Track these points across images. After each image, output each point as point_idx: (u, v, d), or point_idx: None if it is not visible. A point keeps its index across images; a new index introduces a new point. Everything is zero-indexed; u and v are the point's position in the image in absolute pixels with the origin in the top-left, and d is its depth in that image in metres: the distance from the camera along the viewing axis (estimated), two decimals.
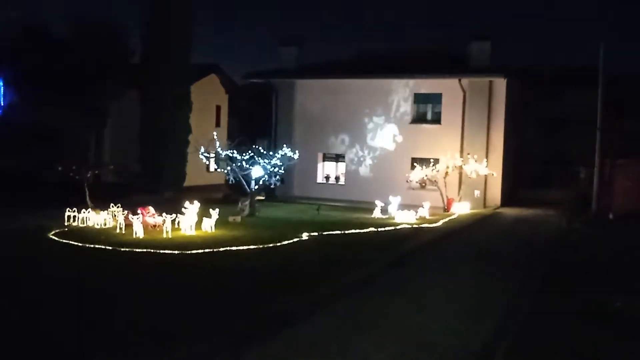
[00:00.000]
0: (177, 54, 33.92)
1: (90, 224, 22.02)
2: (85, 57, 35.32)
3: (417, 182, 31.97)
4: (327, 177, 35.67)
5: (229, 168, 26.08)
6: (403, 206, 27.57)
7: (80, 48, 35.40)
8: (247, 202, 25.95)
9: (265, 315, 11.24)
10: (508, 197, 33.55)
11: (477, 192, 31.82)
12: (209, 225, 21.11)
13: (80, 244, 18.23)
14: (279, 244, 18.83)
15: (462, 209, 29.82)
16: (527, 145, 39.20)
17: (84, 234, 20.18)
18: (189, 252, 17.26)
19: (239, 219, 24.07)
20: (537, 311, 12.14)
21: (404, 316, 11.66)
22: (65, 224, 22.05)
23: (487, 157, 31.67)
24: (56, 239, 19.20)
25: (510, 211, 30.77)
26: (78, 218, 22.25)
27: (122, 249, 17.49)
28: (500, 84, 32.01)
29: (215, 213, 21.28)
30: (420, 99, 33.72)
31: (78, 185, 25.99)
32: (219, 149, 26.13)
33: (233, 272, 14.60)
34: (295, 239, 19.75)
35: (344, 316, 11.53)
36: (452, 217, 27.56)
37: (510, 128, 33.27)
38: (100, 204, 24.55)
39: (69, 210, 22.49)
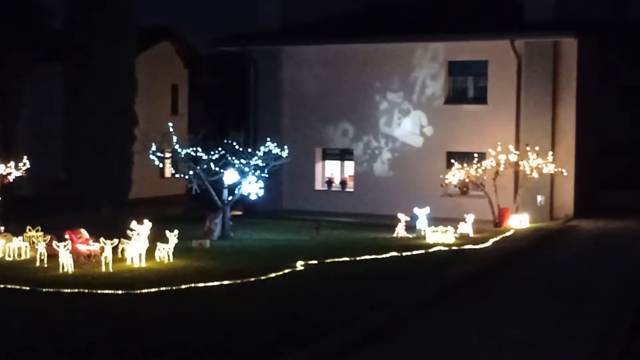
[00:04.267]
0: (114, 13, 34.03)
1: None
2: None
3: (455, 186, 32.01)
4: (330, 182, 35.74)
5: (191, 173, 26.15)
6: (436, 220, 27.60)
7: None
8: (218, 220, 26.04)
9: None
10: (584, 205, 33.59)
11: (540, 199, 31.87)
12: (165, 253, 21.19)
13: None
14: (263, 278, 18.91)
15: (519, 222, 29.87)
16: (609, 130, 39.25)
17: None
18: (138, 291, 17.32)
19: (207, 243, 24.13)
20: None
21: None
22: None
23: (553, 148, 31.71)
24: None
25: (588, 224, 30.83)
26: None
27: (44, 290, 17.55)
28: (570, 46, 32.06)
29: (173, 236, 21.34)
30: (456, 69, 33.75)
31: None
32: (176, 147, 26.21)
33: (199, 323, 14.67)
34: (286, 270, 19.84)
35: None
36: (507, 234, 27.63)
37: (585, 107, 33.35)
38: (13, 227, 24.58)
39: None
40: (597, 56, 36.35)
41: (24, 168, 26.47)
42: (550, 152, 31.18)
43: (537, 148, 30.81)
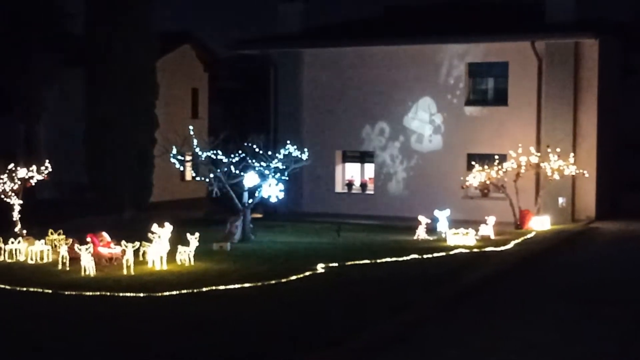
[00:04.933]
0: (135, 18, 34.17)
1: (21, 258, 22.19)
2: (7, 23, 35.64)
3: (476, 188, 31.93)
4: (350, 185, 35.73)
5: (212, 176, 26.19)
6: (457, 222, 27.52)
7: (1, 11, 35.74)
8: (239, 223, 26.06)
9: None
10: (606, 206, 33.42)
11: (561, 200, 31.74)
12: (186, 255, 21.22)
13: (7, 287, 18.38)
14: (284, 281, 18.91)
15: (541, 224, 29.75)
16: (632, 131, 39.01)
17: (13, 272, 20.33)
18: (159, 294, 17.36)
19: (227, 246, 24.15)
20: None
21: None
22: None
23: (574, 150, 31.58)
24: None
25: (610, 226, 30.65)
26: (4, 251, 22.42)
27: (66, 293, 17.63)
28: (591, 47, 31.93)
29: (194, 239, 21.38)
30: (477, 71, 33.69)
31: (2, 204, 26.20)
32: (197, 150, 26.27)
33: (220, 326, 14.68)
34: (306, 273, 19.83)
35: None
36: (528, 236, 27.51)
37: (606, 108, 33.19)
38: (35, 231, 24.71)
39: None
40: (618, 57, 36.17)
41: (46, 172, 26.57)
42: (572, 154, 31.05)
43: (558, 149, 30.70)
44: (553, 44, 31.96)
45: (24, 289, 18.15)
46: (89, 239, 21.22)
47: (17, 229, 25.31)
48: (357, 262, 21.60)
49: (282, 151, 26.65)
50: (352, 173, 36.01)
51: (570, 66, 31.85)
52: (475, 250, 24.12)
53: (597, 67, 32.06)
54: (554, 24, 31.99)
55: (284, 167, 26.44)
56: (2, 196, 25.74)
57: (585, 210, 32.31)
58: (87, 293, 17.54)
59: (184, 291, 17.60)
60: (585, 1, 33.10)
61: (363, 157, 35.64)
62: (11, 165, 25.97)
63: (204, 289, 17.80)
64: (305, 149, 27.69)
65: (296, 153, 26.76)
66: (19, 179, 25.92)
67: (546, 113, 32.11)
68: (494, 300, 17.43)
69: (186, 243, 21.32)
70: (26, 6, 36.67)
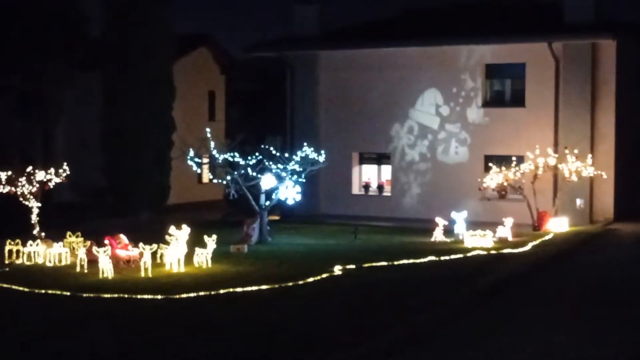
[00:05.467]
0: (152, 20, 34.28)
1: (39, 260, 22.29)
2: (24, 27, 35.81)
3: (493, 189, 31.83)
4: (367, 187, 35.69)
5: (229, 178, 26.24)
6: (474, 224, 27.43)
7: (17, 15, 35.90)
8: (256, 225, 26.08)
9: None
10: (625, 208, 33.24)
11: (579, 202, 31.60)
12: (203, 258, 21.26)
13: (26, 290, 18.47)
14: (301, 283, 18.93)
15: (558, 226, 29.63)
16: None
17: (32, 275, 20.44)
18: (177, 297, 17.40)
19: (245, 248, 24.19)
20: None
21: None
22: (6, 261, 22.34)
23: (592, 151, 31.41)
24: None
25: (628, 228, 30.45)
26: (23, 253, 22.53)
27: (84, 295, 17.69)
28: (609, 48, 31.76)
29: (212, 241, 21.42)
30: (493, 72, 33.57)
31: (21, 207, 26.33)
32: (214, 152, 26.32)
33: (237, 328, 14.69)
34: (324, 275, 19.83)
35: None
36: (546, 238, 27.40)
37: (625, 108, 32.99)
38: (53, 233, 24.82)
39: (9, 243, 22.78)
40: (636, 57, 35.93)
41: (64, 174, 26.69)
42: (590, 155, 30.89)
43: (576, 151, 30.55)
44: (570, 44, 31.83)
45: (43, 291, 18.26)
46: (106, 242, 21.32)
47: (35, 232, 25.44)
48: (374, 264, 21.59)
49: (299, 153, 26.67)
50: (369, 175, 35.95)
51: (587, 67, 31.71)
52: (492, 252, 24.05)
53: (615, 67, 31.88)
54: (572, 25, 31.85)
55: (301, 169, 26.45)
56: (21, 199, 25.88)
57: (604, 212, 32.15)
58: (105, 295, 17.61)
59: (202, 293, 17.65)
60: (603, 2, 32.94)
61: (380, 158, 35.59)
62: (29, 168, 26.12)
63: (221, 291, 17.84)
64: (322, 151, 27.67)
65: (313, 155, 26.76)
66: (37, 182, 26.05)
67: (564, 114, 31.98)
68: (512, 301, 17.38)
69: (203, 245, 21.36)
70: (44, 10, 36.84)
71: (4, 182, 25.51)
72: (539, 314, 16.13)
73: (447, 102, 33.80)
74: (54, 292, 18.10)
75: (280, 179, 26.17)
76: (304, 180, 27.02)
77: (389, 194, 35.15)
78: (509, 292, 18.32)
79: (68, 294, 17.89)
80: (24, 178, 25.78)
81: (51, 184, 26.65)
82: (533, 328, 14.91)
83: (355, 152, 35.57)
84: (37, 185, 26.07)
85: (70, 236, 23.43)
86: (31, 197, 25.90)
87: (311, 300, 17.14)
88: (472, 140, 33.42)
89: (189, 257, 21.12)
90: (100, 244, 20.95)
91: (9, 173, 25.63)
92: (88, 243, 21.79)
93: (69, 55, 37.80)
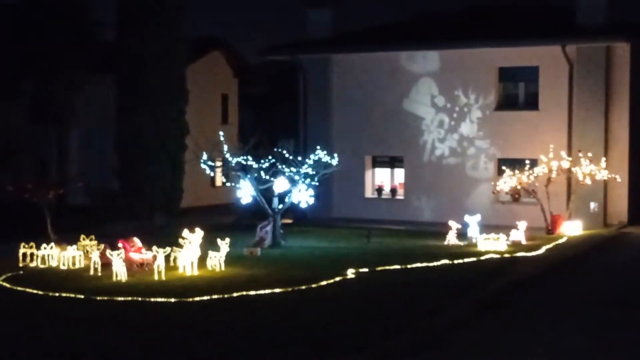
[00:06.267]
0: (165, 24, 34.35)
1: (53, 264, 22.36)
2: (38, 31, 35.97)
3: (507, 193, 31.75)
4: (380, 190, 35.66)
5: (242, 181, 26.27)
6: (488, 227, 27.37)
7: (30, 19, 36.07)
8: (269, 229, 26.10)
9: None
10: (639, 211, 33.10)
11: (593, 205, 31.49)
12: (216, 261, 21.28)
13: (40, 293, 18.53)
14: (314, 286, 18.92)
15: (572, 229, 29.54)
16: None
17: (46, 278, 20.50)
18: (190, 300, 17.42)
19: (258, 251, 24.20)
20: None
21: None
22: (20, 264, 22.42)
23: (606, 154, 31.31)
24: (7, 285, 19.53)
25: None
26: (37, 256, 22.61)
27: (97, 298, 17.74)
28: (623, 51, 31.65)
29: (225, 244, 21.43)
30: (507, 75, 33.51)
31: (35, 210, 26.44)
32: (227, 155, 26.35)
33: (250, 331, 14.68)
34: (337, 278, 19.81)
35: None
36: (559, 241, 27.31)
37: (639, 112, 32.90)
38: (67, 236, 24.89)
39: (24, 246, 22.86)
40: None
41: (78, 178, 26.79)
42: (604, 158, 30.81)
43: (589, 154, 30.47)
44: (584, 47, 31.75)
45: (57, 294, 18.31)
46: (120, 245, 21.35)
47: (49, 235, 25.52)
48: (387, 267, 21.58)
49: (311, 156, 26.67)
50: (382, 178, 35.94)
51: (601, 70, 31.63)
52: (506, 255, 23.99)
53: (629, 70, 31.80)
54: (585, 28, 31.78)
55: (314, 172, 26.45)
56: (35, 202, 25.97)
57: (618, 215, 32.04)
58: (119, 298, 17.65)
59: (215, 296, 17.66)
60: (617, 4, 32.86)
61: (393, 162, 35.56)
62: (43, 172, 26.21)
63: (235, 295, 17.85)
64: (335, 154, 27.68)
65: (326, 158, 26.78)
66: (51, 185, 26.14)
67: (577, 117, 31.89)
68: (526, 305, 17.32)
69: (217, 248, 21.37)
70: (57, 13, 37.00)
71: (18, 186, 25.64)
72: (552, 317, 16.08)
73: (460, 105, 33.75)
74: (67, 295, 18.15)
75: (293, 182, 26.18)
76: (317, 184, 27.02)
77: (402, 197, 35.11)
78: (522, 296, 18.27)
79: (82, 297, 17.93)
80: (38, 181, 25.87)
81: (65, 188, 26.74)
82: (546, 331, 14.87)
83: (368, 155, 35.56)
84: (51, 189, 26.16)
85: (84, 239, 23.48)
86: (45, 200, 25.99)
87: (324, 303, 17.13)
88: (485, 144, 33.37)
89: (202, 261, 21.16)
90: (114, 247, 21.02)
91: (23, 177, 25.75)
92: (102, 246, 21.84)
93: (83, 59, 37.95)
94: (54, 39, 36.52)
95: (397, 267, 21.68)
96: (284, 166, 26.07)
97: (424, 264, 22.11)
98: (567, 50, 31.76)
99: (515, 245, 25.93)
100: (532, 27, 33.21)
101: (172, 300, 17.39)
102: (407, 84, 34.46)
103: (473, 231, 27.01)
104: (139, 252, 21.74)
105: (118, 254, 20.21)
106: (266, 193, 26.37)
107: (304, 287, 18.73)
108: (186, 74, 35.81)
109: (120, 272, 19.95)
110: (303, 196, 26.30)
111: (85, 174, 27.19)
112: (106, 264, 20.70)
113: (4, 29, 37.56)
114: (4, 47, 36.78)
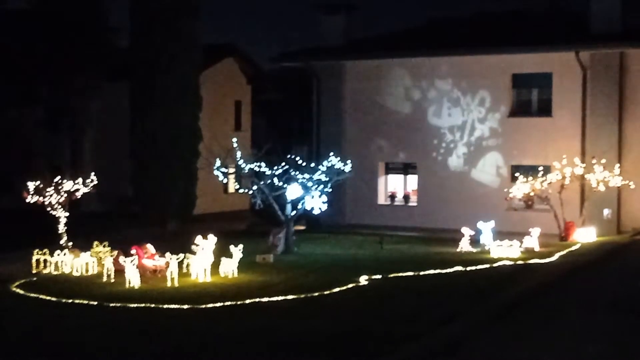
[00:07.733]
0: (180, 31, 34.42)
1: (67, 270, 22.40)
2: (52, 38, 36.13)
3: (520, 199, 31.65)
4: (392, 197, 35.63)
5: (255, 188, 26.26)
6: (501, 234, 27.27)
7: (46, 26, 36.22)
8: (282, 235, 26.08)
9: None
10: None
11: (606, 212, 31.36)
12: (229, 267, 21.26)
13: (54, 299, 18.55)
14: (327, 293, 18.86)
15: (585, 236, 29.41)
16: None
17: (59, 284, 20.54)
18: (203, 306, 17.40)
19: (270, 258, 24.17)
20: None
21: None
22: (33, 271, 22.47)
23: (619, 160, 31.20)
24: (20, 292, 19.57)
25: None
26: (50, 263, 22.65)
27: (111, 305, 17.73)
28: (637, 57, 31.55)
29: (238, 251, 21.41)
30: (521, 81, 33.43)
31: (49, 217, 26.47)
32: (240, 162, 26.35)
33: (263, 338, 14.63)
34: (350, 285, 19.75)
35: None
36: (573, 248, 27.18)
37: None
38: (81, 243, 24.93)
39: (37, 252, 22.92)
40: None
41: (92, 184, 26.83)
42: (617, 165, 30.69)
43: (603, 160, 30.34)
44: (597, 54, 31.67)
45: (70, 300, 18.33)
46: (133, 251, 21.38)
47: (63, 241, 25.58)
48: (400, 274, 21.51)
49: (324, 163, 26.65)
50: (394, 185, 35.90)
51: (615, 76, 31.53)
52: (519, 262, 23.88)
53: None
54: (599, 34, 31.69)
55: (327, 179, 26.42)
56: (49, 209, 26.03)
57: (631, 222, 31.88)
58: (132, 305, 17.65)
59: (228, 303, 17.64)
60: (630, 11, 32.73)
61: (406, 168, 35.53)
62: (57, 178, 26.27)
63: (247, 301, 17.82)
64: (348, 161, 27.65)
65: (339, 165, 26.75)
66: (64, 192, 26.20)
67: (591, 124, 31.78)
68: (541, 312, 17.22)
69: (230, 255, 21.36)
70: (71, 21, 37.16)
71: (32, 192, 25.68)
72: (567, 324, 15.97)
73: (473, 111, 33.71)
74: (80, 301, 18.17)
75: (306, 188, 26.15)
76: (330, 190, 26.98)
77: (415, 204, 35.07)
78: (536, 303, 18.15)
79: (95, 303, 17.94)
80: (52, 188, 25.93)
81: (79, 194, 26.79)
82: (561, 338, 14.75)
83: (381, 162, 35.54)
84: (65, 195, 26.22)
85: (97, 246, 23.51)
86: (59, 206, 26.05)
87: (337, 310, 17.07)
88: (498, 150, 33.31)
89: (215, 267, 21.14)
90: (127, 254, 21.03)
91: (37, 183, 25.80)
92: (115, 253, 21.89)
93: (97, 66, 38.10)
94: (69, 46, 36.68)
95: (410, 273, 21.62)
96: (297, 173, 26.04)
97: (437, 271, 22.02)
98: (581, 57, 31.68)
99: (529, 252, 25.82)
100: (545, 34, 33.15)
101: (185, 306, 17.37)
102: (420, 91, 34.44)
103: (486, 238, 26.93)
104: (152, 258, 21.76)
105: (131, 261, 20.22)
106: (279, 199, 26.35)
107: (316, 294, 18.68)
108: (200, 80, 35.88)
109: (133, 278, 19.95)
110: (316, 203, 26.26)
111: (98, 180, 27.11)
112: (119, 271, 20.72)
113: (20, 35, 37.75)
114: (20, 54, 36.97)
